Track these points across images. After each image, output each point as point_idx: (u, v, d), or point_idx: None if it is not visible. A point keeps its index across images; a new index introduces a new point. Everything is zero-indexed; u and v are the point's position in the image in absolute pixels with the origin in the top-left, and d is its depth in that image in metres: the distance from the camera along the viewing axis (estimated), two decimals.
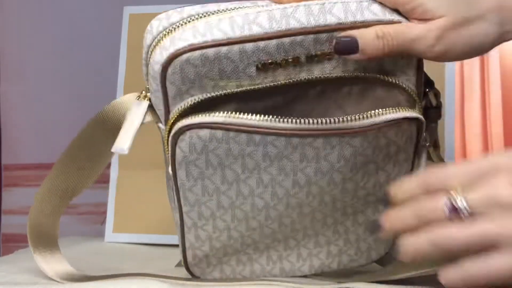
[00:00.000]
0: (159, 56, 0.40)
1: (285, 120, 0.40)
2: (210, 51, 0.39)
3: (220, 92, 0.40)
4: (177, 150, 0.41)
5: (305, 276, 0.49)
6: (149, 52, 0.42)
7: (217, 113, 0.40)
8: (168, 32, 0.41)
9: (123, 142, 0.42)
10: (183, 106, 0.41)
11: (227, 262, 0.47)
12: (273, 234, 0.46)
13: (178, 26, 0.40)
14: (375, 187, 0.45)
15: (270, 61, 0.39)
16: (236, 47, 0.39)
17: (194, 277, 0.49)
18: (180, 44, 0.39)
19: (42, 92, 0.98)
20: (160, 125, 0.43)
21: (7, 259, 0.60)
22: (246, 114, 0.40)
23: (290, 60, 0.40)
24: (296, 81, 0.41)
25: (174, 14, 0.41)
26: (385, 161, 0.44)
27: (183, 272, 0.50)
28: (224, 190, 0.43)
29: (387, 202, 0.41)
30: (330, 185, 0.43)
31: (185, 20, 0.40)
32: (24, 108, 0.98)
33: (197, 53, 0.39)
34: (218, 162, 0.41)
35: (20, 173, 0.98)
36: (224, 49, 0.39)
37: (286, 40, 0.39)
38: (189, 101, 0.40)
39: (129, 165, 0.74)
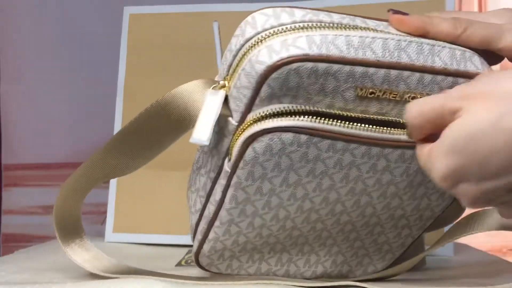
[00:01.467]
0: (267, 57, 0.38)
1: (371, 128, 0.40)
2: (322, 66, 0.38)
3: (309, 107, 0.39)
4: (249, 150, 0.39)
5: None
6: (249, 47, 0.39)
7: (302, 117, 0.39)
8: (276, 33, 0.39)
9: (202, 133, 0.39)
10: (268, 111, 0.39)
11: (239, 257, 0.47)
12: (298, 237, 0.46)
13: (290, 30, 0.39)
14: (413, 211, 0.46)
15: (371, 90, 0.39)
16: (347, 68, 0.38)
17: (199, 266, 0.48)
18: (294, 52, 0.38)
19: (42, 92, 0.98)
20: (230, 119, 0.41)
21: (7, 259, 0.60)
22: (331, 120, 0.39)
23: (389, 93, 0.40)
24: (385, 121, 0.41)
25: (284, 14, 0.39)
26: (434, 189, 0.44)
27: (183, 272, 0.50)
28: (279, 192, 0.42)
29: (412, 232, 0.44)
30: (380, 197, 0.44)
31: (297, 25, 0.39)
32: (24, 108, 0.98)
33: (309, 64, 0.38)
34: (287, 165, 0.40)
35: (20, 173, 0.99)
36: (335, 67, 0.38)
37: (393, 72, 0.39)
38: (276, 107, 0.39)
39: None
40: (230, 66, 0.41)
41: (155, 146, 0.45)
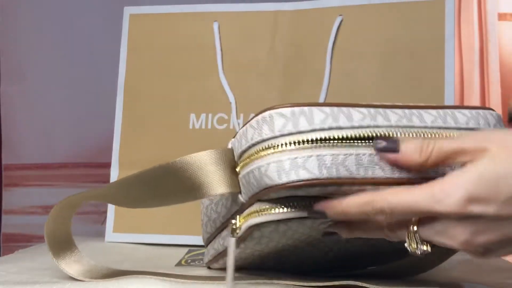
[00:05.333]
0: (276, 175, 0.39)
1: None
2: (331, 189, 0.39)
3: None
4: (257, 232, 0.42)
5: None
6: (262, 148, 0.40)
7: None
8: (290, 144, 0.39)
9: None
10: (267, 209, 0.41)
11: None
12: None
13: (303, 145, 0.39)
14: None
15: None
16: (355, 188, 0.39)
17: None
18: (304, 176, 0.38)
19: (42, 92, 0.98)
20: (240, 196, 0.43)
21: (7, 259, 0.60)
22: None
23: None
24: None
25: (302, 119, 0.39)
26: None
27: (183, 272, 0.50)
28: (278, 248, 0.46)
29: None
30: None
31: (313, 137, 0.39)
32: (25, 108, 0.98)
33: (316, 188, 0.39)
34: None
35: (20, 173, 0.99)
36: (345, 187, 0.39)
37: None
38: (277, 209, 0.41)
39: (129, 165, 0.74)
40: (244, 152, 0.41)
41: (158, 200, 0.46)
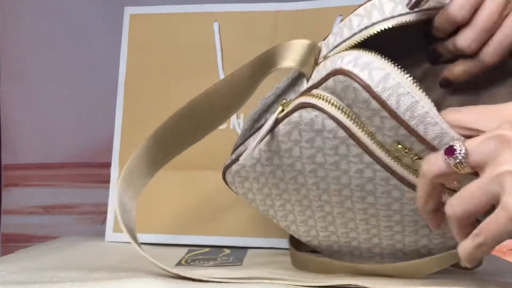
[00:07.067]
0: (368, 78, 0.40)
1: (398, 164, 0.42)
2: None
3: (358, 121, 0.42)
4: (296, 113, 0.43)
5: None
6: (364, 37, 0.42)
7: (348, 119, 0.42)
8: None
9: None
10: (325, 95, 0.42)
11: (254, 193, 0.51)
12: (310, 202, 0.49)
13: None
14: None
15: (408, 149, 0.41)
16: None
17: (224, 180, 0.53)
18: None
19: (42, 92, 0.98)
20: (304, 82, 0.46)
21: (7, 259, 0.60)
22: (370, 138, 0.42)
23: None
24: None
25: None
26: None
27: (183, 272, 0.50)
28: (304, 162, 0.45)
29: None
30: (384, 207, 0.46)
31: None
32: (24, 107, 0.98)
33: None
34: (319, 145, 0.44)
35: (20, 173, 0.99)
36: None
37: None
38: (334, 99, 0.42)
39: None
40: (344, 40, 0.43)
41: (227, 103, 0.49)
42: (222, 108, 0.50)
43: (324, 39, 0.47)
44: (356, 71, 0.40)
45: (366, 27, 0.42)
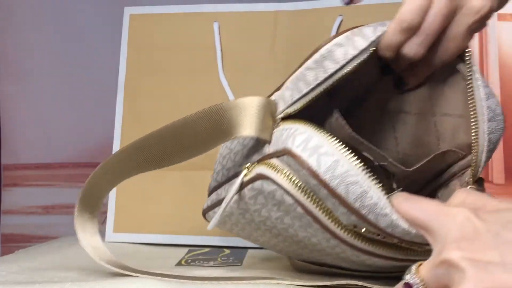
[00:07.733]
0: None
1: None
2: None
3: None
4: (258, 182, 0.43)
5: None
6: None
7: (297, 190, 0.41)
8: None
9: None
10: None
11: (237, 231, 0.50)
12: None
13: None
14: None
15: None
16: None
17: (205, 219, 0.53)
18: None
19: (42, 92, 0.98)
20: (267, 146, 0.44)
21: (7, 259, 0.60)
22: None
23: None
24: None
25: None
26: None
27: (183, 272, 0.50)
28: (264, 221, 0.46)
29: None
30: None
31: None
32: (24, 107, 0.98)
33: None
34: (271, 208, 0.44)
35: (20, 173, 0.99)
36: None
37: None
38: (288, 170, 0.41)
39: None
40: (303, 96, 0.43)
41: (187, 151, 0.46)
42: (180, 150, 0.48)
43: (277, 89, 0.46)
44: (304, 156, 0.39)
45: (326, 79, 0.42)
